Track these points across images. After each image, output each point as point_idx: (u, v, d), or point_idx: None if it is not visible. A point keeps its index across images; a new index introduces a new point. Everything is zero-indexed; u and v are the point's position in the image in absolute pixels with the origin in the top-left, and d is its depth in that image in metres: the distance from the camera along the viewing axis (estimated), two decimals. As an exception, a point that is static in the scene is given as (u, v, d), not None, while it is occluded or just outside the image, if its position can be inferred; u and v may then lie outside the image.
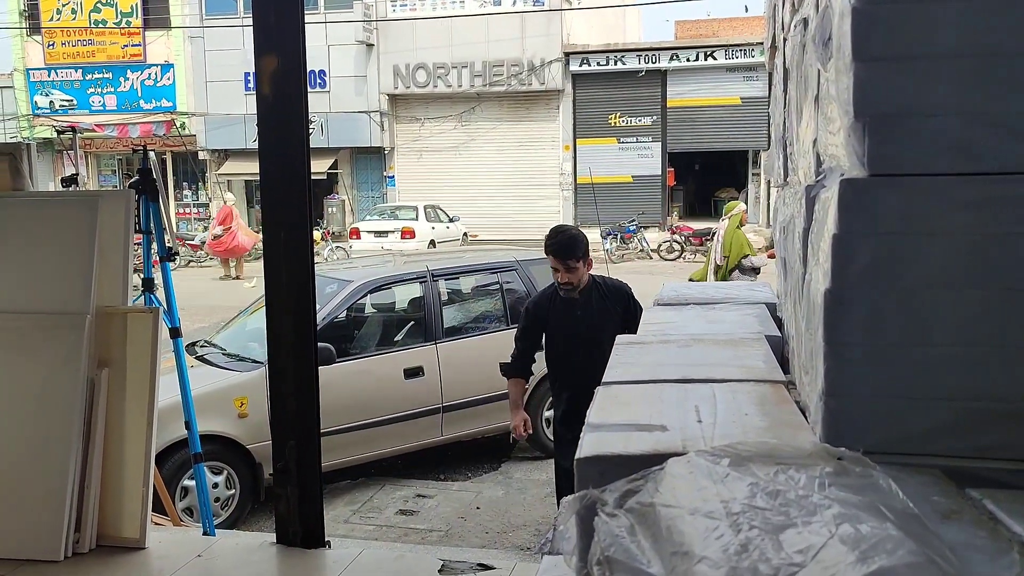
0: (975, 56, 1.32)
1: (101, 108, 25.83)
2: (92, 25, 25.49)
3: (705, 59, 23.06)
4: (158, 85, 25.68)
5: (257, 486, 5.49)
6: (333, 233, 22.60)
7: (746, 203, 24.00)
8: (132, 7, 25.37)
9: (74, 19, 25.63)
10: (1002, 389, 1.39)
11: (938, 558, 0.93)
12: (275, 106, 3.54)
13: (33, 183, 3.96)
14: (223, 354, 6.32)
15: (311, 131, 3.51)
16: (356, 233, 20.81)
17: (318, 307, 4.77)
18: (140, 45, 25.48)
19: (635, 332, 4.12)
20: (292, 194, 3.60)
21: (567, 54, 23.62)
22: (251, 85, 24.00)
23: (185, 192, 26.71)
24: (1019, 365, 1.37)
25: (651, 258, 20.07)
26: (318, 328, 4.03)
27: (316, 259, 3.79)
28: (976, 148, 1.34)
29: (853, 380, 1.38)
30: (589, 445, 1.36)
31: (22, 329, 3.68)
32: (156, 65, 25.58)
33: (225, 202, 19.44)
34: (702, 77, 23.25)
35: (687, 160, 24.97)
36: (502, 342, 6.59)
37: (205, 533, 3.98)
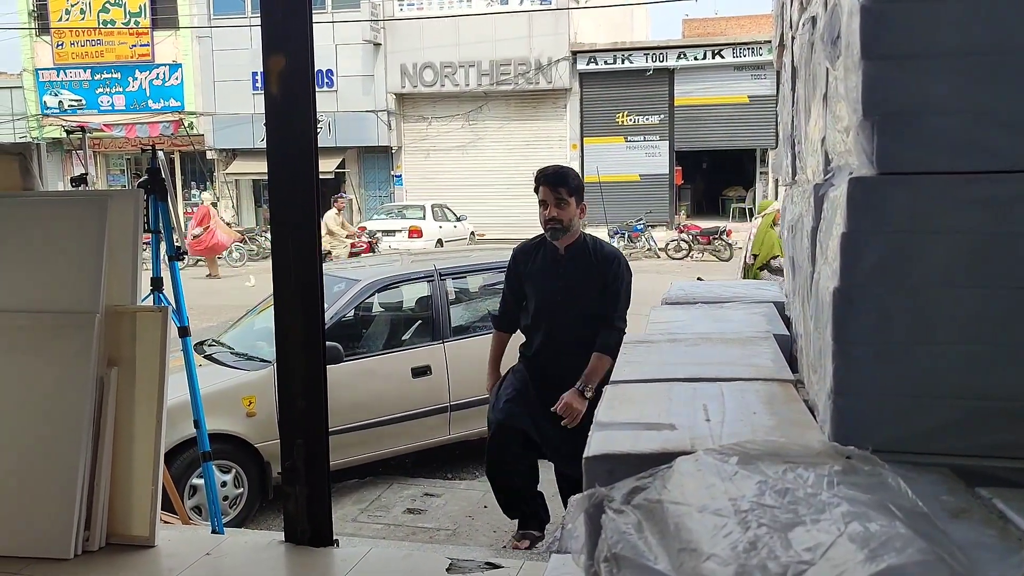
0: (983, 54, 1.32)
1: (110, 108, 25.92)
2: (101, 25, 25.58)
3: (713, 57, 23.02)
4: (166, 85, 25.75)
5: (265, 485, 5.51)
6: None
7: (753, 202, 24.01)
8: (140, 7, 25.45)
9: (83, 19, 25.72)
10: (1011, 387, 1.38)
11: (947, 556, 0.93)
12: (283, 106, 3.55)
13: (43, 183, 3.98)
14: (231, 353, 6.33)
15: (318, 130, 3.51)
16: (363, 231, 20.84)
17: (326, 306, 4.78)
18: (148, 45, 25.56)
19: (605, 311, 3.92)
20: (300, 194, 3.60)
21: (574, 53, 23.61)
22: (259, 85, 24.03)
23: (193, 191, 26.76)
24: (1028, 363, 1.37)
25: (659, 257, 20.04)
26: (326, 327, 4.04)
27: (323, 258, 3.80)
28: (984, 146, 1.34)
29: (862, 378, 1.38)
30: (597, 443, 1.36)
31: (32, 328, 3.70)
32: (164, 65, 25.66)
33: (203, 202, 19.64)
34: (710, 75, 23.21)
35: (695, 159, 24.94)
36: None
37: (214, 531, 3.99)
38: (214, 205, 26.40)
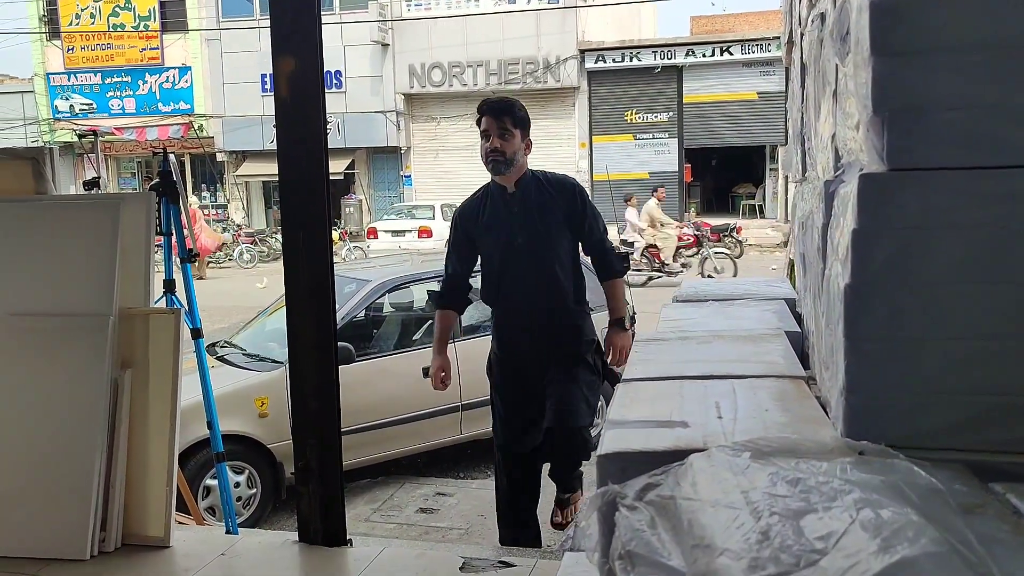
0: (993, 48, 1.32)
1: (120, 111, 26.04)
2: (111, 29, 25.70)
3: (721, 54, 22.97)
4: (176, 88, 25.86)
5: (278, 485, 5.53)
6: (351, 233, 22.69)
7: (764, 199, 23.94)
8: (150, 11, 25.56)
9: (93, 23, 25.85)
10: (1024, 382, 1.38)
11: (961, 547, 0.93)
12: (292, 108, 3.56)
13: (56, 187, 4.00)
14: (243, 354, 6.36)
15: (327, 131, 3.52)
16: (373, 233, 20.88)
17: (338, 306, 4.79)
18: (158, 48, 25.67)
19: (587, 242, 3.61)
20: (310, 195, 3.61)
21: (582, 51, 23.60)
22: (268, 87, 24.14)
23: (203, 193, 26.87)
24: (1041, 358, 1.37)
25: (669, 254, 19.98)
26: (338, 327, 4.05)
27: (335, 259, 3.82)
28: (995, 141, 1.33)
29: (874, 375, 1.38)
30: (610, 441, 1.36)
31: (46, 331, 3.73)
32: (174, 68, 25.77)
33: (191, 204, 19.67)
34: (718, 72, 23.15)
35: (704, 156, 24.88)
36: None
37: (228, 532, 4.01)
38: (224, 208, 26.57)
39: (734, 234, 19.76)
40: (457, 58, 24.31)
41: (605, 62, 23.67)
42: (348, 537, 3.68)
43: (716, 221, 21.33)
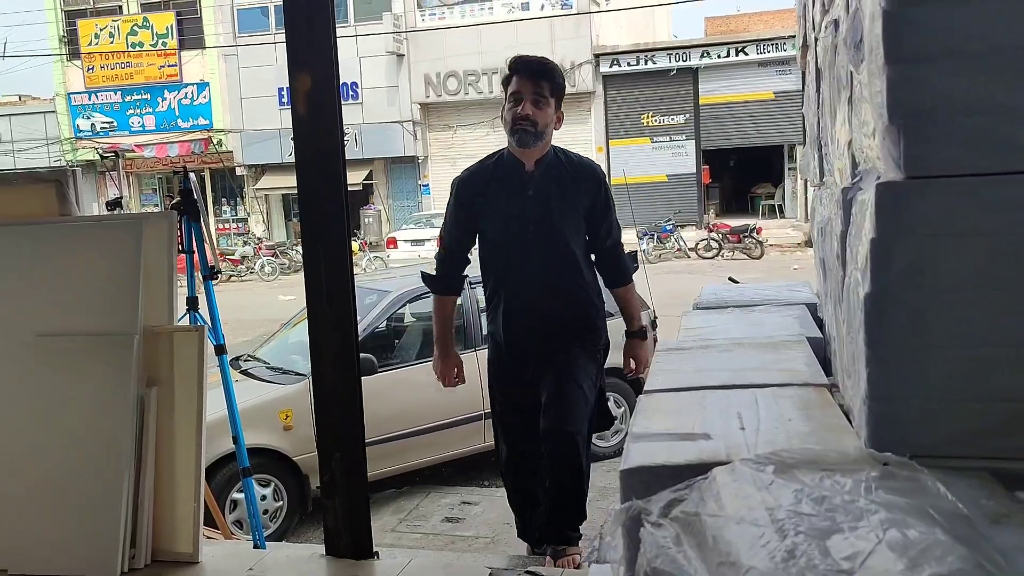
0: (1007, 53, 1.31)
1: (140, 129, 26.31)
2: (129, 48, 25.99)
3: (736, 55, 22.88)
4: (195, 104, 26.09)
5: (304, 497, 5.56)
6: (370, 243, 22.79)
7: (783, 199, 23.80)
8: (167, 28, 25.83)
9: (112, 43, 26.15)
10: (1049, 388, 1.36)
11: (988, 564, 0.93)
12: (310, 124, 3.58)
13: (79, 207, 4.05)
14: (267, 367, 6.41)
15: (345, 143, 3.54)
16: (393, 242, 20.96)
17: (359, 318, 4.81)
18: (176, 65, 25.92)
19: (601, 244, 3.17)
20: (330, 208, 3.63)
21: (597, 56, 23.59)
22: (285, 100, 24.25)
23: (224, 208, 27.08)
24: (1066, 363, 1.35)
25: (689, 257, 19.95)
26: (359, 339, 4.07)
27: (355, 270, 3.83)
28: (1012, 146, 1.33)
29: (897, 383, 1.37)
30: (633, 456, 1.37)
31: (72, 350, 3.77)
32: (192, 84, 26.01)
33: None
34: (734, 73, 23.07)
35: (722, 157, 24.78)
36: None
37: (256, 546, 4.04)
38: (244, 221, 26.76)
39: (754, 235, 19.68)
40: (472, 66, 24.37)
41: (620, 66, 23.65)
42: (375, 549, 3.69)
43: (736, 222, 21.25)
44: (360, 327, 5.47)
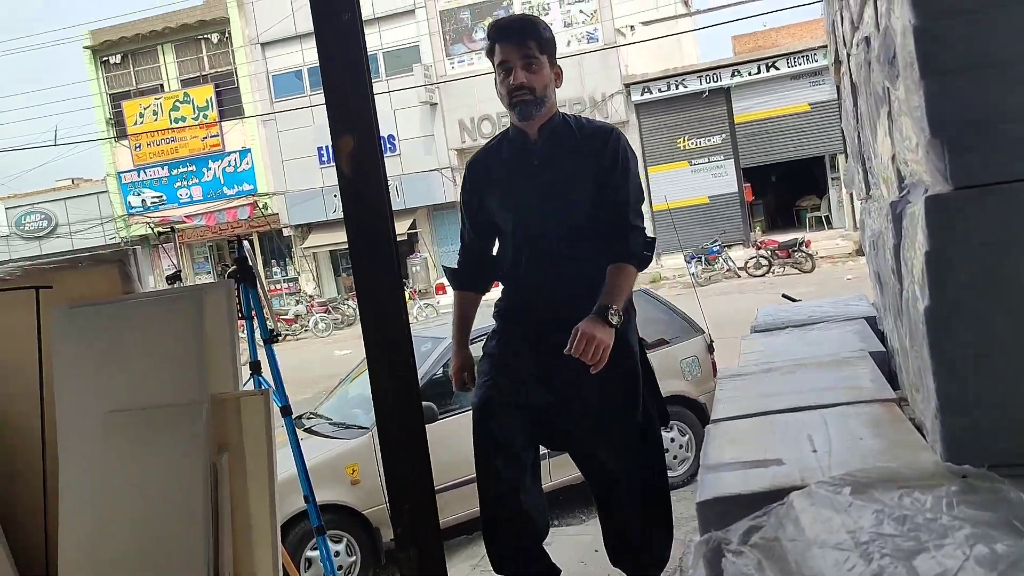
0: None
1: (188, 200, 27.03)
2: (173, 123, 26.83)
3: (767, 70, 22.79)
4: (238, 171, 26.75)
5: (377, 550, 5.58)
6: (420, 291, 22.97)
7: (829, 209, 23.50)
8: (207, 100, 26.61)
9: (156, 120, 27.02)
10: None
11: (1081, 572, 0.91)
12: (356, 183, 3.65)
13: (142, 284, 4.18)
14: (330, 424, 6.47)
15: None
16: (442, 288, 21.08)
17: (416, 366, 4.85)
18: (218, 135, 26.66)
19: (604, 202, 2.64)
20: (381, 262, 3.69)
21: (627, 85, 23.69)
22: (325, 159, 24.81)
23: (274, 269, 27.58)
24: None
25: (739, 276, 19.75)
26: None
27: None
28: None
29: (967, 395, 1.36)
30: (708, 487, 1.37)
31: (145, 424, 3.86)
32: (234, 152, 26.69)
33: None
34: (766, 89, 22.96)
35: (763, 173, 24.59)
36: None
37: (334, 603, 4.07)
38: (295, 281, 27.18)
39: (803, 248, 19.43)
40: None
41: (651, 93, 23.70)
42: (452, 598, 3.69)
43: (783, 237, 21.01)
44: (418, 375, 5.52)
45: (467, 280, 3.02)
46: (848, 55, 2.14)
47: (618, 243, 2.65)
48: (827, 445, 1.47)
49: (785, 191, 25.40)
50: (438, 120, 25.45)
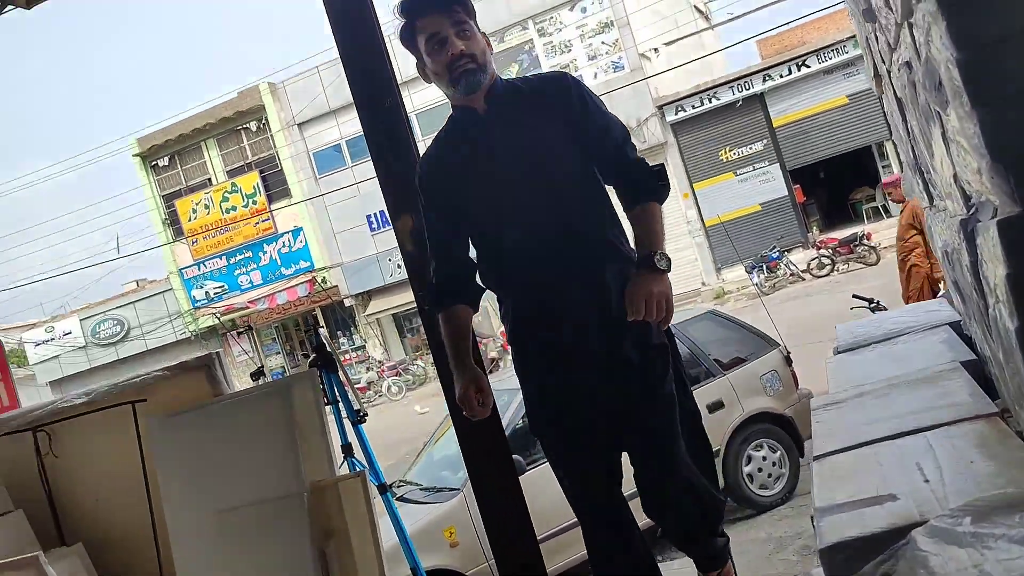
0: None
1: (249, 285, 27.71)
2: (224, 214, 27.65)
3: (799, 70, 22.62)
4: (293, 250, 27.37)
5: (486, 609, 5.60)
6: (485, 343, 23.08)
7: (884, 198, 23.06)
8: (254, 187, 27.38)
9: (208, 213, 27.89)
10: None
11: None
12: (420, 258, 3.76)
13: (228, 384, 4.33)
14: (420, 489, 6.55)
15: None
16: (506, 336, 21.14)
17: (500, 424, 4.90)
18: (269, 219, 27.38)
19: (599, 150, 2.43)
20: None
21: (660, 107, 23.73)
22: (375, 225, 25.24)
23: (340, 340, 28.03)
24: None
25: (803, 279, 19.49)
26: (505, 442, 4.13)
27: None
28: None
29: (1074, 410, 1.36)
30: (826, 533, 1.38)
31: (251, 520, 3.98)
32: (287, 232, 27.34)
33: None
34: (801, 88, 22.78)
35: (810, 172, 24.29)
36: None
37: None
38: (362, 348, 27.52)
39: (865, 241, 19.10)
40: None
41: (685, 111, 23.70)
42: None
43: (842, 233, 20.68)
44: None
45: (449, 296, 2.65)
46: (888, 72, 2.15)
47: (628, 185, 2.47)
48: (938, 473, 1.47)
49: (836, 186, 25.02)
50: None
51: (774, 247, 20.73)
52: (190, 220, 28.12)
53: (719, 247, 22.76)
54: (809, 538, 5.49)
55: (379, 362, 25.38)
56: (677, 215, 23.57)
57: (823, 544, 1.36)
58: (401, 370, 22.94)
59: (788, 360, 7.59)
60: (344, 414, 4.32)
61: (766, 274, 19.84)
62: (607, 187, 2.52)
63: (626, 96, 23.59)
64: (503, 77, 2.51)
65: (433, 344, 3.81)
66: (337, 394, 4.28)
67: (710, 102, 23.42)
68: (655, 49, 24.30)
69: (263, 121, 27.07)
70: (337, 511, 3.92)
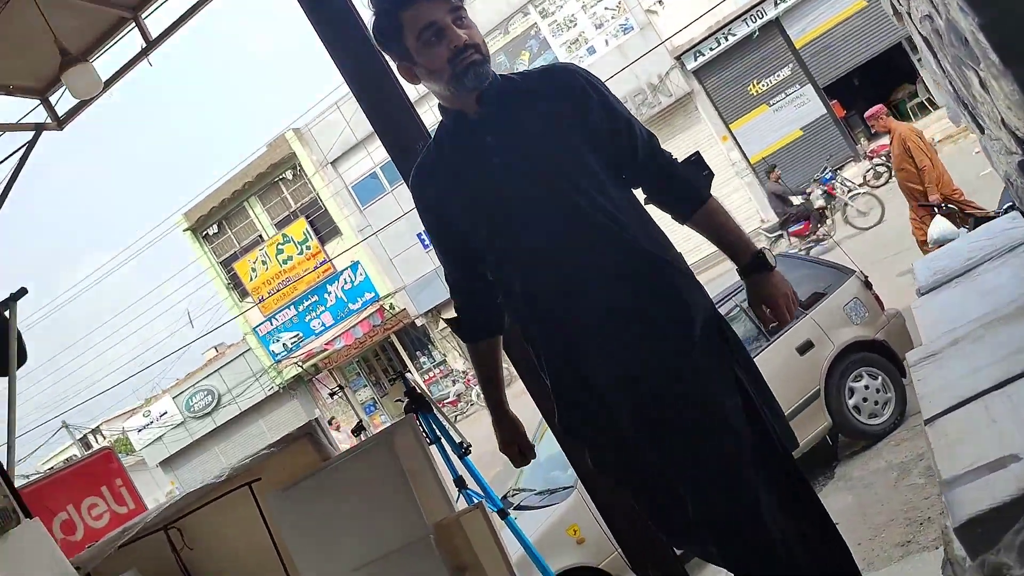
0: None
1: (322, 328, 28.20)
2: (282, 266, 28.18)
3: (810, -16, 22.05)
4: (355, 284, 27.76)
5: (629, 596, 5.65)
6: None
7: (927, 91, 22.34)
8: (304, 233, 27.84)
9: (267, 269, 28.46)
10: None
11: None
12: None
13: (334, 446, 4.45)
14: (535, 494, 6.60)
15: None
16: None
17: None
18: (326, 260, 27.81)
19: (628, 153, 2.16)
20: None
21: (677, 57, 23.39)
22: (427, 243, 25.42)
23: (421, 360, 28.32)
24: None
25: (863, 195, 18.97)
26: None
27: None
28: None
29: None
30: (957, 509, 1.37)
31: (385, 572, 4.09)
32: (346, 269, 27.73)
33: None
34: (815, 2, 22.20)
35: (845, 84, 23.63)
36: (771, 355, 6.49)
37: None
38: (444, 363, 27.78)
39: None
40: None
41: (704, 55, 23.30)
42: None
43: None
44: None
45: (475, 326, 2.44)
46: (908, 13, 2.11)
47: (678, 191, 2.24)
48: (1055, 420, 1.45)
49: (874, 91, 24.28)
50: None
51: (825, 168, 20.23)
52: (251, 280, 28.74)
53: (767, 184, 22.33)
54: (932, 462, 5.40)
55: (463, 372, 25.60)
56: (720, 159, 23.22)
57: (956, 523, 1.36)
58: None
59: (868, 284, 7.45)
60: (448, 448, 4.41)
61: (826, 201, 19.32)
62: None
63: (639, 53, 23.32)
64: (513, 68, 2.24)
65: (519, 370, 3.87)
66: (438, 432, 4.37)
67: (727, 40, 22.98)
68: (659, 1, 23.94)
69: (297, 168, 27.48)
70: (465, 545, 4.00)
